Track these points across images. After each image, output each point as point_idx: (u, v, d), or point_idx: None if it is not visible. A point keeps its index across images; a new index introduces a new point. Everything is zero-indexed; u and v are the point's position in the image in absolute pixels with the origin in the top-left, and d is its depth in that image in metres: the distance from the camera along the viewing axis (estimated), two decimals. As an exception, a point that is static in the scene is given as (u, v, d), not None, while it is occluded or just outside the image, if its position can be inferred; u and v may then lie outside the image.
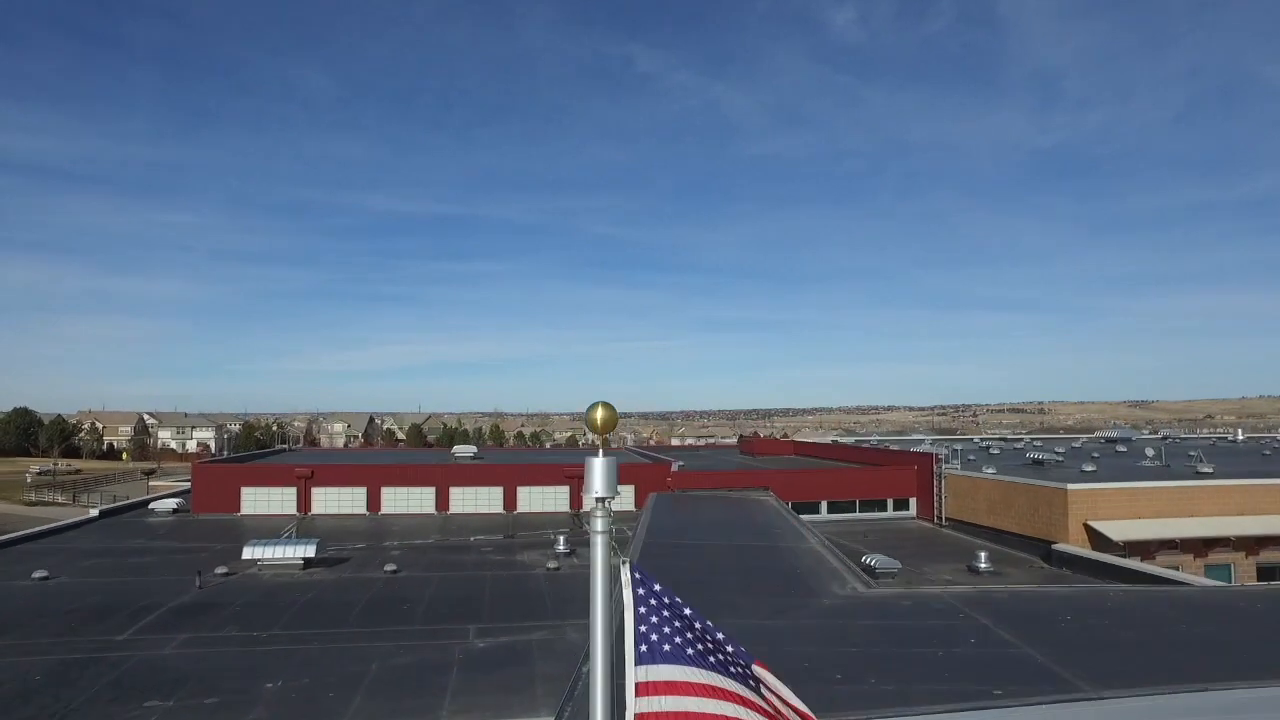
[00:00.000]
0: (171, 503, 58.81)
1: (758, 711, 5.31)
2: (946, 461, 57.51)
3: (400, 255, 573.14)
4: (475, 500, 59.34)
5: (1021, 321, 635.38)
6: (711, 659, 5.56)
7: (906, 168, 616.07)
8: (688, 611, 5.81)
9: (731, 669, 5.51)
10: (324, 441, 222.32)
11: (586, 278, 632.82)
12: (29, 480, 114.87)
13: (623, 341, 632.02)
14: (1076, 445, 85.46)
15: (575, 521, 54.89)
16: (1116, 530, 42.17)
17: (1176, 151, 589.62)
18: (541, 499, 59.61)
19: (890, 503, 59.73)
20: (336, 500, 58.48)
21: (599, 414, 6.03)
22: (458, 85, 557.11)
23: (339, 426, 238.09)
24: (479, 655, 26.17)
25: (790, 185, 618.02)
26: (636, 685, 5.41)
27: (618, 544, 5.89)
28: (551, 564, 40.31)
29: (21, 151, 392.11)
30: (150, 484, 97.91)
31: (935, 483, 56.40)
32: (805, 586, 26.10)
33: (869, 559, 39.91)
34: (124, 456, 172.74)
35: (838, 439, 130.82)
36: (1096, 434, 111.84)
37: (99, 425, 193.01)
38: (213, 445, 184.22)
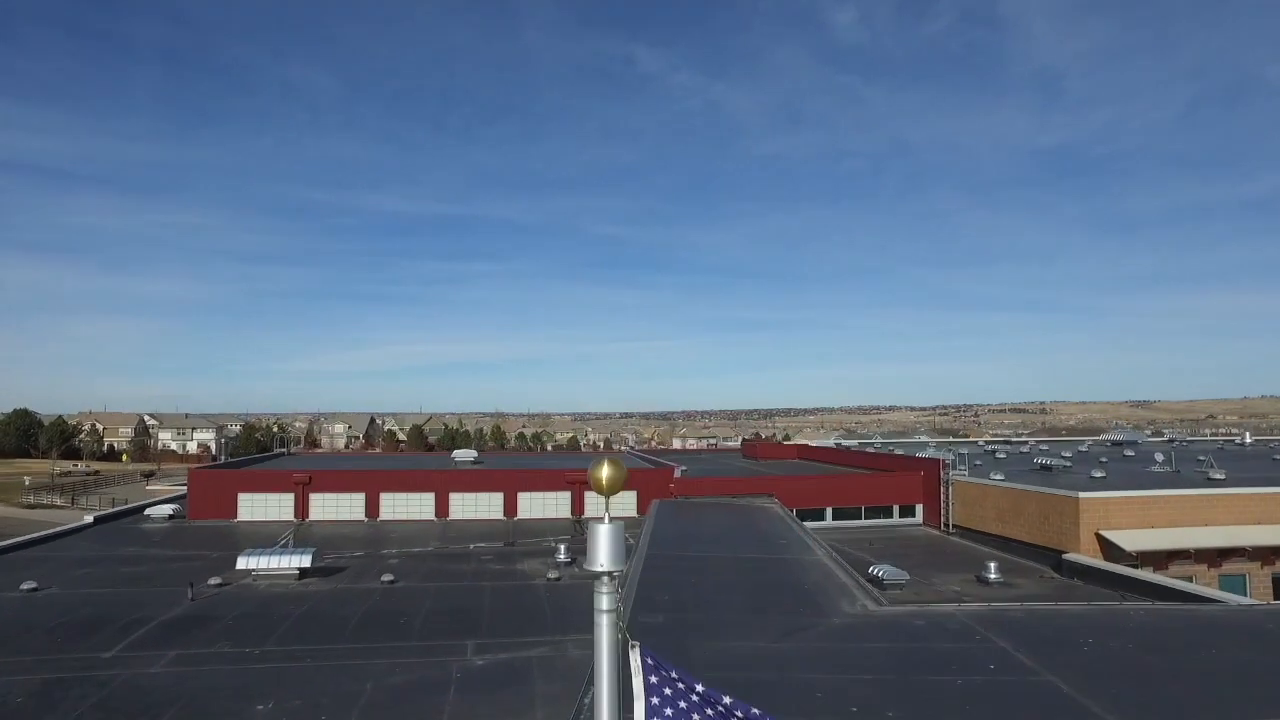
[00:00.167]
0: (168, 508, 58.01)
1: None
2: (953, 467, 56.65)
3: (400, 255, 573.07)
4: (475, 506, 58.54)
5: (1023, 321, 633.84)
6: None
7: (908, 167, 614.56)
8: (702, 688, 4.98)
9: None
10: (325, 443, 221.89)
11: (587, 278, 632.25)
12: (27, 483, 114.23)
13: (623, 341, 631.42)
14: (1083, 449, 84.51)
15: (576, 528, 54.14)
16: (1129, 540, 41.30)
17: (1179, 151, 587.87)
18: (542, 505, 58.81)
19: (896, 509, 58.88)
20: (335, 506, 57.71)
21: (604, 473, 5.19)
22: (458, 85, 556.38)
23: (340, 427, 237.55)
24: (477, 674, 25.37)
25: (791, 185, 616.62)
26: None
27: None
28: (552, 574, 39.52)
29: (22, 151, 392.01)
30: (148, 487, 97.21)
31: (942, 489, 55.54)
32: (814, 604, 25.27)
33: (876, 569, 39.11)
34: (124, 458, 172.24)
35: (840, 439, 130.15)
36: (1102, 436, 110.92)
37: (99, 426, 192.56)
38: (213, 446, 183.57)
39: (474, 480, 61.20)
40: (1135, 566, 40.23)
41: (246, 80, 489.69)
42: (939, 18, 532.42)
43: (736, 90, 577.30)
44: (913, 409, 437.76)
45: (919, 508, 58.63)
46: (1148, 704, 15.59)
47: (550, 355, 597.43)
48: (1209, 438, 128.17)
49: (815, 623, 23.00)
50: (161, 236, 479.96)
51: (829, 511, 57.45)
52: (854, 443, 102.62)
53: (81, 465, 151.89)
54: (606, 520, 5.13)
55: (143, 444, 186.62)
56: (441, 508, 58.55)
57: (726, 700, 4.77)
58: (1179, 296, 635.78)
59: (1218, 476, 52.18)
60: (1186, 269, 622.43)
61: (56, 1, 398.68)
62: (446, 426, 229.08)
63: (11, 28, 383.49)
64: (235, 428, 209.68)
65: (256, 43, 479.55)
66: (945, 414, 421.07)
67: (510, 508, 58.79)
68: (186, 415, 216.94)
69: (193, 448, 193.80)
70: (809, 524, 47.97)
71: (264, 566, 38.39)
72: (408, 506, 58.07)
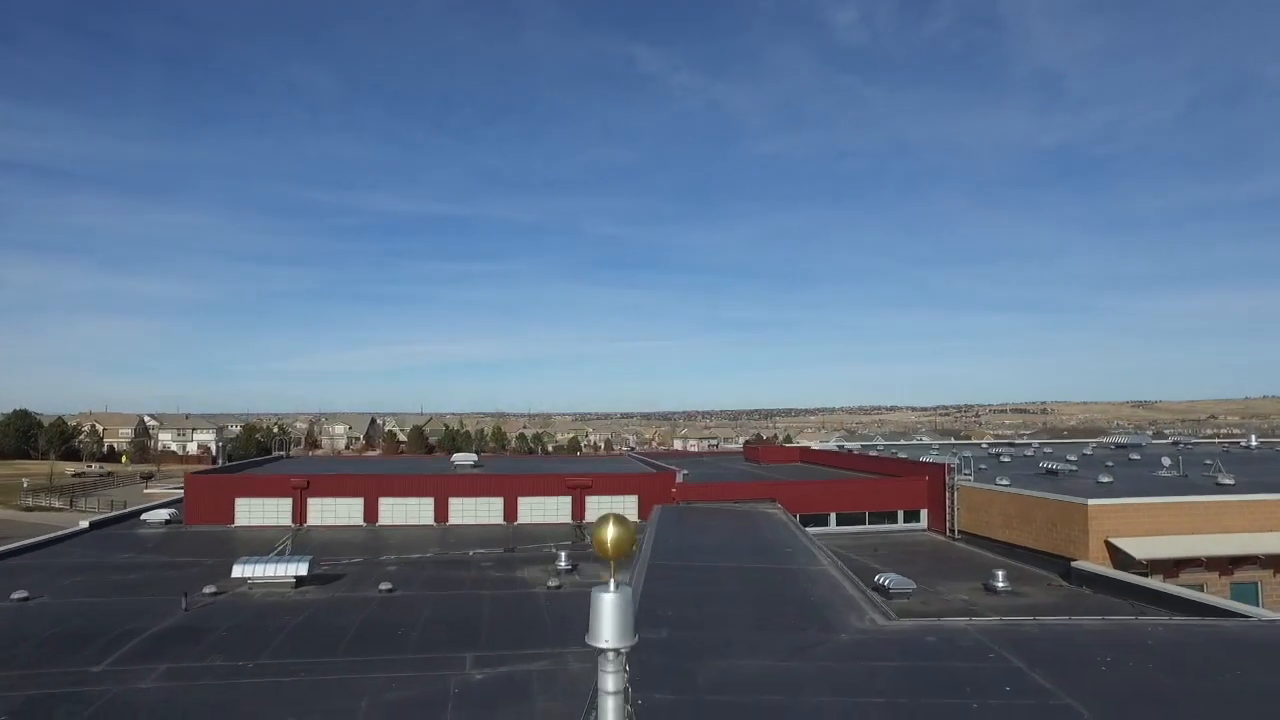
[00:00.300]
0: (164, 513, 57.36)
1: None
2: (959, 471, 55.96)
3: (401, 255, 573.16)
4: (475, 511, 57.85)
5: (1024, 321, 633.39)
6: None
7: (908, 167, 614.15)
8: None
9: None
10: (325, 443, 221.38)
11: (588, 277, 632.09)
12: (25, 485, 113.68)
13: (624, 341, 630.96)
14: (1088, 452, 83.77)
15: (577, 533, 53.48)
16: (1139, 548, 40.61)
17: (1179, 151, 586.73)
18: (543, 510, 58.13)
19: (901, 514, 58.18)
20: (333, 511, 57.02)
21: (609, 533, 4.49)
22: (459, 85, 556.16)
23: (340, 428, 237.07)
24: (476, 689, 24.68)
25: (792, 185, 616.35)
26: None
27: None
28: (553, 582, 38.85)
29: (22, 151, 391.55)
30: (145, 490, 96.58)
31: (947, 494, 54.84)
32: (822, 619, 24.60)
33: (882, 578, 38.44)
34: (124, 459, 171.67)
35: (841, 440, 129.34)
36: (1106, 439, 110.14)
37: (99, 427, 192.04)
38: (213, 447, 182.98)
39: (474, 485, 60.47)
40: (1145, 574, 39.57)
41: (247, 80, 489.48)
42: (939, 18, 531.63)
43: (737, 90, 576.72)
44: (914, 409, 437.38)
45: (924, 513, 57.93)
46: (1173, 731, 14.93)
47: (550, 355, 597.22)
48: (1212, 439, 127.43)
49: (824, 639, 22.33)
50: (161, 236, 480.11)
51: (833, 517, 56.75)
52: (855, 444, 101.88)
53: (95, 467, 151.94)
54: (612, 587, 4.43)
55: (143, 445, 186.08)
56: (441, 513, 57.86)
57: None
58: (1179, 296, 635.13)
59: (1227, 482, 51.52)
60: (1186, 269, 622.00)
61: (56, 1, 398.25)
62: (447, 427, 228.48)
63: (11, 28, 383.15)
64: (235, 428, 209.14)
65: (256, 43, 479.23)
66: (946, 414, 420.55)
67: (510, 513, 58.11)
68: (187, 416, 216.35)
69: (193, 449, 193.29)
70: (812, 529, 47.30)
71: (260, 575, 37.72)
72: (407, 511, 57.37)
